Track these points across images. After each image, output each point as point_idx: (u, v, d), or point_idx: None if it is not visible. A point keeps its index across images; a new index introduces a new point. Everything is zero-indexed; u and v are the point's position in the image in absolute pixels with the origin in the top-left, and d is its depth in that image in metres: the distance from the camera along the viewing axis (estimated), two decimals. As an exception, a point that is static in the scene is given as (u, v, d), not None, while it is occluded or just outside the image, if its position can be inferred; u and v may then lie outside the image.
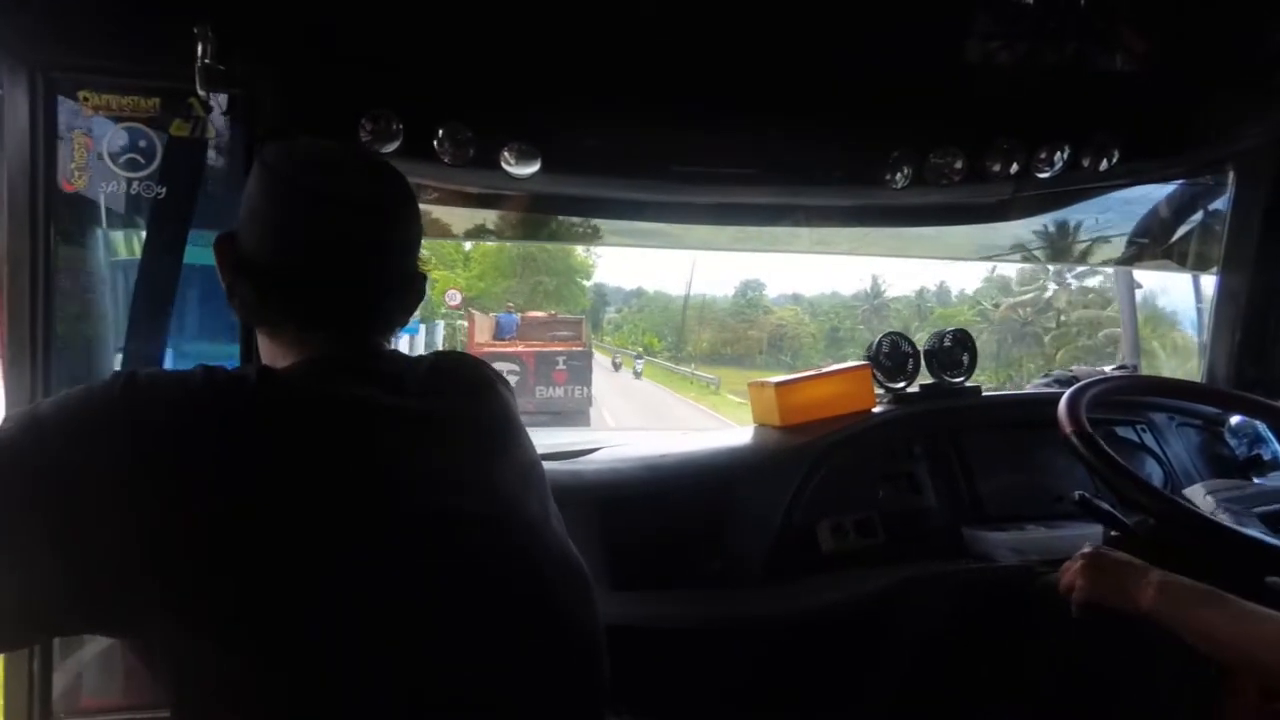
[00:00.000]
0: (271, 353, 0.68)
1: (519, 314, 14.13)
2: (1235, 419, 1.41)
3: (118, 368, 1.16)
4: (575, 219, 1.55)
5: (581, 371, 11.99)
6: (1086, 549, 0.94)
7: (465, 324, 13.89)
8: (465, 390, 0.73)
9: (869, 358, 1.43)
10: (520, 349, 11.89)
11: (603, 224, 1.61)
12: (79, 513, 0.49)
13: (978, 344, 1.47)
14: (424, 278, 0.73)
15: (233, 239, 0.66)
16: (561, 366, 11.75)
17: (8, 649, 0.54)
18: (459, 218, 1.46)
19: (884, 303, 29.97)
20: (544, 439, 1.14)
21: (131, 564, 0.49)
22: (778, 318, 33.31)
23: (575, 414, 11.43)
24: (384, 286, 0.68)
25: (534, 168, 1.21)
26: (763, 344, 30.68)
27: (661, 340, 30.43)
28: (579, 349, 12.35)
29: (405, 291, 0.71)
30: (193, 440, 0.53)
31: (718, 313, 33.40)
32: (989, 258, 1.77)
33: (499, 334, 12.87)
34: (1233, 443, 1.41)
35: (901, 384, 1.43)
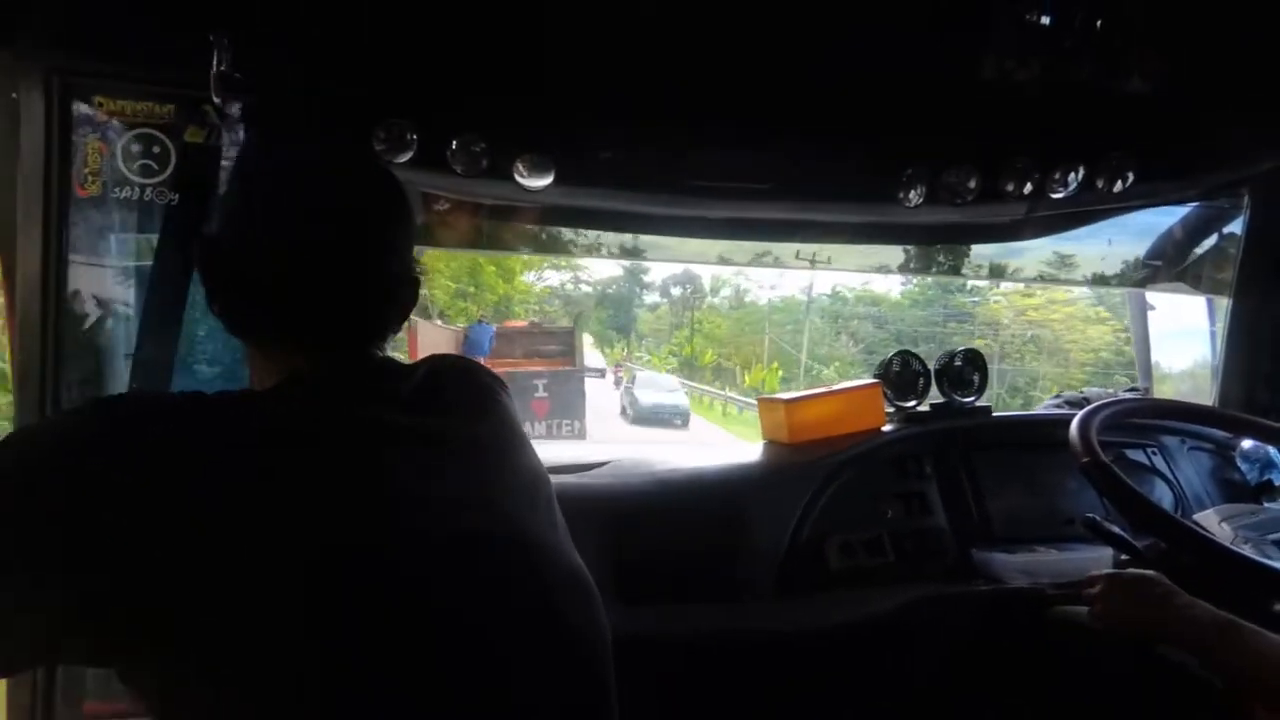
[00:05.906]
0: (260, 368, 0.65)
1: (494, 325, 11.26)
2: (1247, 443, 1.40)
3: (128, 373, 1.15)
4: (586, 231, 1.55)
5: (569, 400, 9.16)
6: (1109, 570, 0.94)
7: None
8: (466, 404, 0.70)
9: (879, 375, 1.43)
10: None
11: (610, 236, 1.60)
12: (56, 542, 0.46)
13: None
14: (417, 281, 0.70)
15: (213, 243, 0.62)
16: (541, 394, 8.89)
17: None
18: (469, 229, 1.45)
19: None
20: (549, 451, 1.13)
21: (110, 596, 0.47)
22: (990, 310, 18.06)
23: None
24: (370, 294, 0.65)
25: (547, 180, 1.21)
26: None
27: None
28: (566, 368, 9.72)
29: (395, 298, 0.68)
30: (178, 467, 0.50)
31: (830, 309, 20.65)
32: (999, 278, 1.77)
33: (469, 352, 9.48)
34: (1244, 467, 1.41)
35: (912, 403, 1.43)
